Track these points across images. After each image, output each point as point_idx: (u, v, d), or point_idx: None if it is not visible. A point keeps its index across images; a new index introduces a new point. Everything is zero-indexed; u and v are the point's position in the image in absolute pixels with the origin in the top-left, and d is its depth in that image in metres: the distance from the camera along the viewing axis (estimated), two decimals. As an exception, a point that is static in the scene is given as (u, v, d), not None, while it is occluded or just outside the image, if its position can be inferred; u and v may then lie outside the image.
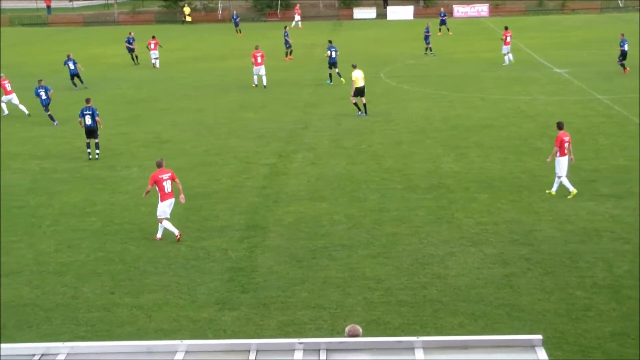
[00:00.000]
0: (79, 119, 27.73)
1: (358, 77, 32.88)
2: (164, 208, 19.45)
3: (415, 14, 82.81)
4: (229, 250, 18.64)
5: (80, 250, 19.00)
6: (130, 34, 53.81)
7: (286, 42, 52.34)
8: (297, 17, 77.02)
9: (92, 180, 24.96)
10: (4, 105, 36.52)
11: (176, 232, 19.37)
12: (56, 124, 33.85)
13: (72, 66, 43.28)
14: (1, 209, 22.27)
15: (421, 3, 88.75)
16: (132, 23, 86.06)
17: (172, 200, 19.54)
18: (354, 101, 33.12)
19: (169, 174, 19.48)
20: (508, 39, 46.85)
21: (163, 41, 55.42)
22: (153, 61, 51.59)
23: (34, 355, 7.79)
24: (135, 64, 52.17)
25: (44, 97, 34.09)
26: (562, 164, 21.59)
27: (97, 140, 27.79)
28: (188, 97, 39.69)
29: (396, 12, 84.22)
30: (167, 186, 19.35)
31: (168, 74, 47.86)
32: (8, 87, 36.15)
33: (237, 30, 71.38)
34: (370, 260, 17.71)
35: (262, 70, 41.36)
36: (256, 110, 35.63)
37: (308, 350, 7.55)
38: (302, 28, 74.06)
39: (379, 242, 18.81)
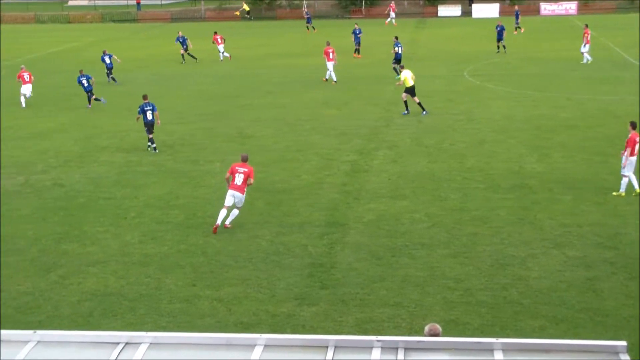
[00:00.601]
0: (138, 115, 28.29)
1: (407, 77, 32.92)
2: (227, 196, 19.88)
3: (501, 12, 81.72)
4: (308, 246, 18.75)
5: (164, 242, 19.36)
6: (179, 32, 55.09)
7: (356, 39, 52.49)
8: (392, 14, 76.78)
9: (176, 173, 25.39)
10: (22, 99, 38.56)
11: (218, 221, 19.79)
12: (104, 102, 37.29)
13: (107, 60, 44.59)
14: (89, 200, 22.87)
15: (507, 1, 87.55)
16: (218, 19, 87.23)
17: (236, 193, 19.87)
18: (405, 98, 33.17)
19: (246, 170, 19.84)
20: (588, 37, 45.94)
21: (248, 37, 56.06)
22: (220, 55, 53.33)
23: (118, 343, 7.98)
24: (182, 62, 52.95)
25: (85, 84, 37.09)
26: (631, 164, 21.24)
27: (151, 135, 28.44)
28: (270, 93, 40.00)
29: (482, 10, 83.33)
30: (238, 179, 19.78)
31: (251, 70, 48.32)
32: (27, 77, 38.51)
33: (307, 27, 71.60)
34: (450, 260, 17.59)
35: (332, 65, 42.30)
36: (338, 107, 35.71)
37: (386, 348, 7.55)
38: (397, 25, 73.80)
39: (459, 242, 18.67)
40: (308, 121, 32.76)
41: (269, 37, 67.77)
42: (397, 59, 43.15)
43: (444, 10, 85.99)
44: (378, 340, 7.60)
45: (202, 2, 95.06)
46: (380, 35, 57.27)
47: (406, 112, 33.28)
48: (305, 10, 76.97)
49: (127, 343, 7.96)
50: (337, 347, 7.66)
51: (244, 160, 20.17)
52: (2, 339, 8.20)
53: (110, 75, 44.81)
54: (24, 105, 38.46)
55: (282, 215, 20.99)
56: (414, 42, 60.29)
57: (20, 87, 38.68)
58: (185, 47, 52.67)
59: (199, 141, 29.73)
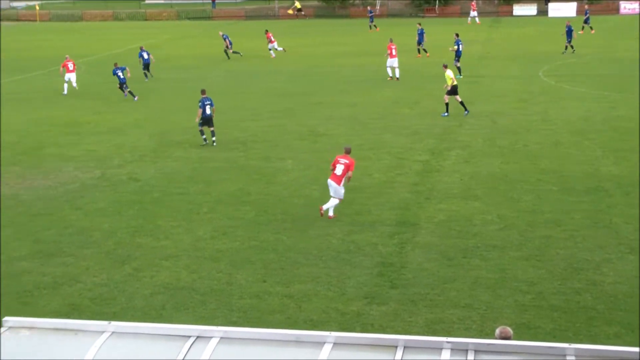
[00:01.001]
0: (199, 110, 28.69)
1: (451, 77, 32.79)
2: (329, 186, 20.57)
3: (578, 11, 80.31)
4: (379, 245, 18.73)
5: (235, 238, 19.55)
6: (220, 32, 56.77)
7: (420, 38, 52.35)
8: (473, 13, 76.12)
9: (248, 170, 25.61)
10: (65, 86, 41.60)
11: (324, 207, 20.51)
12: (136, 99, 38.40)
13: (145, 56, 46.35)
14: (163, 195, 23.23)
15: (585, 0, 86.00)
16: (291, 17, 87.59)
17: (332, 182, 20.40)
18: (447, 100, 32.96)
19: (347, 162, 20.35)
20: None
21: (320, 35, 56.14)
22: (272, 53, 54.45)
23: (189, 336, 8.09)
24: (228, 59, 53.95)
25: (121, 76, 39.18)
26: None
27: (212, 128, 29.01)
28: (343, 91, 40.05)
29: (558, 9, 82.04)
30: (338, 169, 20.33)
31: (323, 68, 48.44)
32: (70, 66, 41.56)
33: (370, 27, 71.35)
34: (523, 263, 17.38)
35: (395, 62, 42.82)
36: (410, 106, 35.57)
37: (456, 350, 7.51)
38: (480, 24, 73.12)
39: (531, 245, 18.43)
40: (380, 120, 32.71)
41: (342, 36, 67.83)
42: (458, 56, 43.38)
43: (519, 10, 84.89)
44: (448, 342, 7.56)
45: (276, 1, 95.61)
46: (451, 34, 56.75)
47: (446, 113, 33.07)
48: (369, 8, 76.78)
49: (198, 337, 8.08)
50: (407, 347, 7.64)
51: (347, 152, 20.79)
52: (78, 328, 8.40)
53: (144, 71, 46.21)
54: (65, 92, 41.48)
55: (353, 214, 21.00)
56: (488, 42, 59.72)
57: (64, 74, 41.33)
58: (229, 44, 53.86)
59: (271, 138, 29.93)
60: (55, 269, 17.83)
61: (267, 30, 56.13)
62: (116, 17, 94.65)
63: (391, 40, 43.67)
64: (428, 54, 51.79)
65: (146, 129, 32.18)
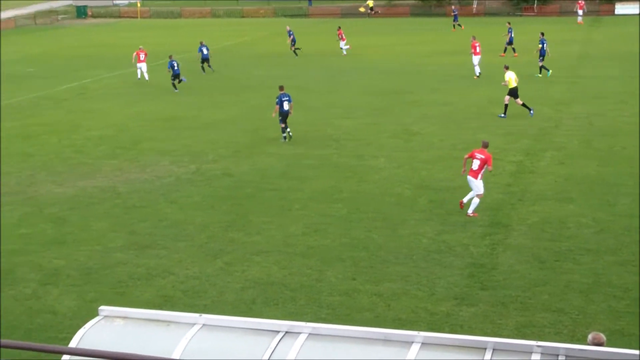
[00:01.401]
0: (277, 105, 29.01)
1: (512, 78, 32.25)
2: (469, 183, 20.78)
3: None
4: (470, 245, 18.55)
5: (326, 235, 19.63)
6: (287, 27, 57.34)
7: (510, 39, 51.61)
8: (581, 12, 74.60)
9: (341, 167, 25.67)
10: (138, 72, 45.92)
11: (464, 199, 20.76)
12: (177, 89, 41.21)
13: (205, 51, 47.93)
14: (256, 191, 23.50)
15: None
16: (387, 15, 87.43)
17: (470, 178, 20.52)
18: (507, 102, 32.52)
19: (483, 157, 20.41)
20: None
21: (416, 34, 55.83)
22: (343, 50, 54.61)
23: (278, 331, 8.17)
24: (296, 57, 54.32)
25: (176, 67, 41.55)
26: None
27: (287, 128, 29.42)
28: (437, 90, 39.74)
29: (663, 8, 79.49)
30: (474, 164, 20.47)
31: (418, 67, 48.16)
32: (142, 56, 45.57)
33: (453, 26, 70.49)
34: (618, 268, 16.95)
35: (476, 60, 43.59)
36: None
37: (546, 354, 7.39)
38: (582, 24, 71.74)
39: (628, 250, 17.95)
40: (474, 119, 32.35)
41: (437, 34, 67.32)
42: (543, 55, 42.79)
43: (621, 8, 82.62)
44: (538, 346, 7.45)
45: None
46: (553, 34, 55.63)
47: (503, 115, 32.56)
48: (453, 7, 75.92)
49: (287, 332, 8.15)
50: (496, 349, 7.57)
51: (484, 146, 20.78)
52: (170, 320, 8.58)
53: (202, 65, 47.89)
54: (139, 77, 45.82)
55: (445, 214, 20.85)
56: (588, 42, 58.37)
57: (136, 63, 45.71)
58: (292, 40, 54.72)
59: (365, 136, 29.93)
60: (149, 261, 18.25)
61: (339, 27, 56.39)
62: (214, 15, 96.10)
63: (474, 38, 44.37)
64: (516, 54, 50.97)
65: (241, 125, 32.59)
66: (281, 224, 20.53)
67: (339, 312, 15.35)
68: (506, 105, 32.68)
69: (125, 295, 16.46)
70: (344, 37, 55.23)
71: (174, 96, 39.77)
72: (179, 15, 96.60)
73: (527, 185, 23.13)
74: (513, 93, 32.57)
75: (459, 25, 70.49)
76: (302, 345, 7.93)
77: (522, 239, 18.85)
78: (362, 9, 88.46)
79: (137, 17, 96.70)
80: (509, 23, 53.81)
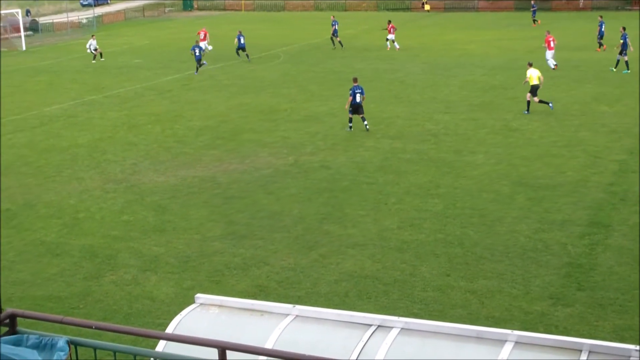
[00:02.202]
0: (350, 97, 29.92)
1: (533, 76, 32.10)
2: None
3: None
4: (568, 245, 18.19)
5: (421, 230, 19.56)
6: (332, 17, 57.96)
7: (600, 33, 50.20)
8: None
9: (438, 162, 25.51)
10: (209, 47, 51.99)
11: None
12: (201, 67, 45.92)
13: (242, 41, 50.64)
14: (352, 184, 23.57)
15: None
16: (491, 10, 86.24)
17: None
18: (529, 99, 32.45)
19: None
20: None
21: (522, 29, 54.83)
22: (389, 44, 54.13)
23: (370, 325, 8.21)
24: (334, 48, 54.81)
25: (197, 53, 45.85)
26: None
27: (362, 115, 30.00)
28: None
29: None
30: None
31: (522, 62, 47.26)
32: (202, 35, 51.24)
33: (533, 21, 68.81)
34: None
35: (549, 54, 43.63)
36: (610, 103, 34.15)
37: (644, 359, 7.22)
38: None
39: None
40: (577, 116, 31.64)
41: (542, 29, 65.99)
42: (623, 49, 41.94)
43: None
44: (637, 350, 7.28)
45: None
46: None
47: (527, 112, 32.28)
48: (532, 2, 74.11)
49: (379, 326, 8.18)
50: (592, 351, 7.42)
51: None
52: (264, 309, 8.72)
53: (240, 51, 50.63)
54: (210, 48, 52.09)
55: (542, 212, 20.50)
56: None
57: (199, 43, 49.26)
58: (334, 31, 55.00)
59: (464, 131, 29.64)
60: (246, 251, 18.54)
61: (389, 21, 55.81)
62: (317, 8, 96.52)
63: (548, 32, 44.59)
64: (605, 47, 49.62)
65: (340, 118, 32.67)
66: (376, 218, 20.55)
67: (431, 307, 15.30)
68: (528, 102, 32.53)
69: (221, 284, 16.77)
70: (391, 31, 54.20)
71: (275, 89, 40.16)
72: (282, 8, 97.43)
73: (630, 185, 22.52)
74: (533, 91, 32.36)
75: (536, 20, 69.05)
76: (394, 340, 7.94)
77: (622, 240, 18.39)
78: (427, 7, 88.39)
79: (241, 10, 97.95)
80: (601, 17, 52.43)
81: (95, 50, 54.12)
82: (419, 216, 20.57)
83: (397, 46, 53.81)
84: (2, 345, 5.80)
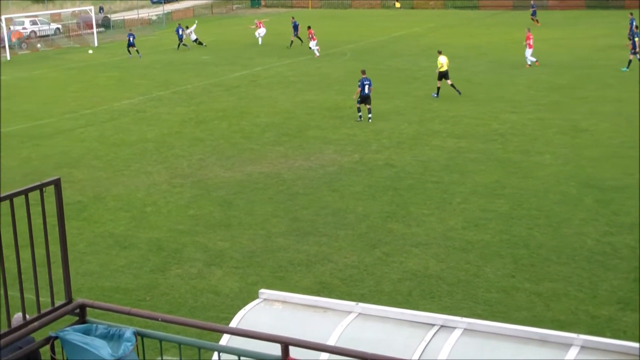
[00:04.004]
0: (358, 88, 31.67)
1: (442, 62, 35.55)
2: None
3: None
4: (637, 249, 17.84)
5: (486, 230, 19.41)
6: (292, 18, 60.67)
7: (631, 28, 49.13)
8: None
9: (505, 163, 25.26)
10: (260, 40, 58.35)
11: None
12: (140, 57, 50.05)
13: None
14: (417, 182, 23.49)
15: None
16: (560, 8, 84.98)
17: None
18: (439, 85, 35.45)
19: None
20: None
21: (590, 27, 53.86)
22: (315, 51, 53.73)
23: (433, 325, 8.17)
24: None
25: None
26: None
27: (369, 106, 31.76)
28: (610, 85, 38.28)
29: None
30: None
31: (592, 62, 46.54)
32: (259, 25, 58.66)
33: (537, 20, 67.51)
34: None
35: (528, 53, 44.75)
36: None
37: None
38: None
39: None
40: (648, 117, 30.99)
41: (614, 27, 64.79)
42: (634, 49, 41.20)
43: None
44: None
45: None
46: None
47: (436, 95, 34.98)
48: (532, 2, 72.69)
49: (442, 326, 8.13)
50: (661, 358, 7.27)
51: None
52: (327, 306, 8.75)
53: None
54: (260, 43, 57.69)
55: (611, 214, 20.15)
56: None
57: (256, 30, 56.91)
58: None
59: (531, 131, 29.28)
60: (310, 247, 18.62)
61: (309, 27, 55.14)
62: (384, 6, 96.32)
63: (529, 30, 46.56)
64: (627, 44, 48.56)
65: (406, 116, 32.61)
66: (441, 217, 20.45)
67: (495, 309, 15.17)
68: (438, 88, 36.12)
69: (285, 279, 16.88)
70: (314, 37, 52.87)
71: (342, 86, 40.18)
72: (349, 5, 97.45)
73: (703, 189, 22.00)
74: (442, 76, 36.07)
75: (536, 20, 67.79)
76: (456, 340, 7.90)
77: (695, 245, 17.98)
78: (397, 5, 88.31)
79: (308, 7, 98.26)
80: (631, 14, 51.30)
81: (194, 39, 60.16)
82: (484, 216, 20.41)
83: (316, 52, 52.83)
84: (73, 333, 5.95)
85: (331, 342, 8.06)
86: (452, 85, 36.14)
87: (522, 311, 15.04)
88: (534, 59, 44.89)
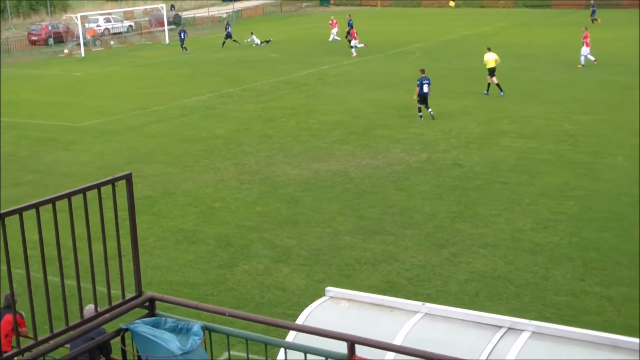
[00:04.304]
0: (417, 88, 31.67)
1: (489, 59, 36.19)
2: None
3: None
4: None
5: (556, 232, 19.12)
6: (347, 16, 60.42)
7: None
8: None
9: (575, 164, 24.85)
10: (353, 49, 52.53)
11: None
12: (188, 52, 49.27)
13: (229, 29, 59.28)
14: (485, 182, 23.26)
15: None
16: (634, 7, 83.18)
17: None
18: (489, 81, 35.62)
19: None
20: None
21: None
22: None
23: (500, 327, 8.09)
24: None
25: (182, 37, 57.57)
26: None
27: (429, 108, 31.95)
28: (687, 87, 37.32)
29: None
30: None
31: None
32: (334, 23, 57.29)
33: (592, 20, 65.60)
34: None
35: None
36: None
37: None
38: None
39: None
40: None
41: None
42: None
43: None
44: None
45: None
46: None
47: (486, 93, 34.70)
48: (592, 2, 70.64)
49: (509, 328, 8.05)
50: None
51: None
52: (393, 306, 8.73)
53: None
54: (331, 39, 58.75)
55: (686, 219, 19.66)
56: None
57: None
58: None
59: (603, 132, 28.74)
60: (376, 246, 18.59)
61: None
62: (457, 5, 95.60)
63: (586, 29, 45.96)
64: None
65: (474, 116, 32.31)
66: (509, 218, 20.21)
67: (564, 312, 14.94)
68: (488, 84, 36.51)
69: (351, 278, 16.88)
70: (356, 37, 52.94)
71: (409, 84, 39.89)
72: (419, 4, 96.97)
73: None
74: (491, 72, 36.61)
75: (596, 20, 66.08)
76: (524, 343, 7.81)
77: None
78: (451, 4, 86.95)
79: (377, 6, 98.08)
80: None
81: (260, 43, 60.77)
82: (553, 218, 20.11)
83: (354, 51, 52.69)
84: (143, 326, 6.04)
85: (397, 341, 8.04)
86: (497, 84, 36.43)
87: (592, 315, 14.78)
88: (592, 58, 44.43)
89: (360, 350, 5.55)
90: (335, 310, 8.85)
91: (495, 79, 36.41)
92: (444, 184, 23.34)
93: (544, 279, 16.48)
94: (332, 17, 63.90)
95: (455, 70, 44.43)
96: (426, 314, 8.47)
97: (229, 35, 59.57)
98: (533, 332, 7.93)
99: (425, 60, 47.08)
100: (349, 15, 59.62)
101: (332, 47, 56.89)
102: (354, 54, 51.53)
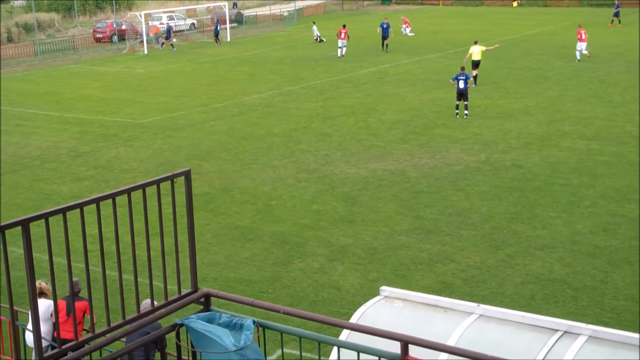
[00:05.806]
0: (452, 82, 32.13)
1: (474, 52, 37.54)
2: None
3: None
4: None
5: (615, 235, 18.83)
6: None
7: None
8: None
9: (637, 166, 24.38)
10: (339, 50, 52.53)
11: None
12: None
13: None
14: (544, 184, 23.01)
15: None
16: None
17: None
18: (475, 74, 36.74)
19: None
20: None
21: None
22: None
23: (557, 330, 8.01)
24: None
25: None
26: None
27: (466, 102, 31.97)
28: None
29: None
30: None
31: None
32: (343, 34, 51.83)
33: (611, 20, 63.67)
34: None
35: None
36: None
37: None
38: None
39: None
40: None
41: None
42: None
43: None
44: None
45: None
46: None
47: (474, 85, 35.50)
48: (616, 2, 68.61)
49: (565, 332, 7.97)
50: None
51: None
52: (448, 306, 8.70)
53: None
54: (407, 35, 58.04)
55: None
56: None
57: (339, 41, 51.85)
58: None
59: (664, 135, 28.18)
60: (432, 247, 18.52)
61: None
62: (518, 4, 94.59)
63: (580, 26, 47.06)
64: None
65: (535, 116, 31.96)
66: (568, 220, 19.97)
67: (623, 317, 14.71)
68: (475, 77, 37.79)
69: (406, 278, 16.85)
70: (343, 37, 52.35)
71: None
72: (481, 3, 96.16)
73: None
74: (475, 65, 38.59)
75: (619, 21, 64.29)
76: (580, 348, 7.72)
77: None
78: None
79: (439, 5, 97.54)
80: None
81: (317, 37, 60.99)
82: (613, 221, 19.81)
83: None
84: (198, 322, 6.14)
85: (451, 342, 8.02)
86: (474, 75, 38.16)
87: (638, 322, 14.54)
88: (586, 52, 46.12)
89: (413, 350, 5.56)
90: (389, 310, 8.86)
91: (475, 72, 38.62)
92: (503, 184, 23.15)
93: (602, 282, 16.25)
94: (403, 17, 64.68)
95: (517, 70, 43.99)
96: (481, 315, 8.43)
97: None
98: (590, 336, 7.84)
99: (486, 59, 46.61)
100: (386, 19, 58.87)
101: (392, 46, 56.70)
102: (340, 54, 52.02)
